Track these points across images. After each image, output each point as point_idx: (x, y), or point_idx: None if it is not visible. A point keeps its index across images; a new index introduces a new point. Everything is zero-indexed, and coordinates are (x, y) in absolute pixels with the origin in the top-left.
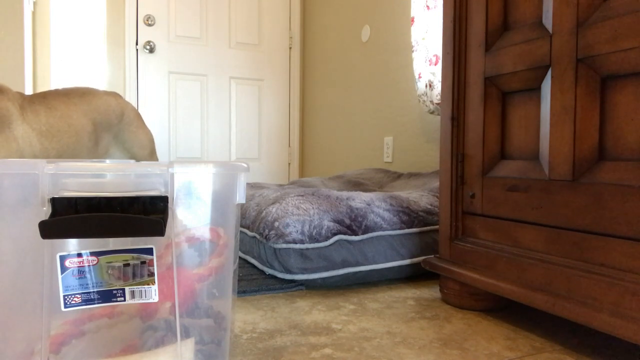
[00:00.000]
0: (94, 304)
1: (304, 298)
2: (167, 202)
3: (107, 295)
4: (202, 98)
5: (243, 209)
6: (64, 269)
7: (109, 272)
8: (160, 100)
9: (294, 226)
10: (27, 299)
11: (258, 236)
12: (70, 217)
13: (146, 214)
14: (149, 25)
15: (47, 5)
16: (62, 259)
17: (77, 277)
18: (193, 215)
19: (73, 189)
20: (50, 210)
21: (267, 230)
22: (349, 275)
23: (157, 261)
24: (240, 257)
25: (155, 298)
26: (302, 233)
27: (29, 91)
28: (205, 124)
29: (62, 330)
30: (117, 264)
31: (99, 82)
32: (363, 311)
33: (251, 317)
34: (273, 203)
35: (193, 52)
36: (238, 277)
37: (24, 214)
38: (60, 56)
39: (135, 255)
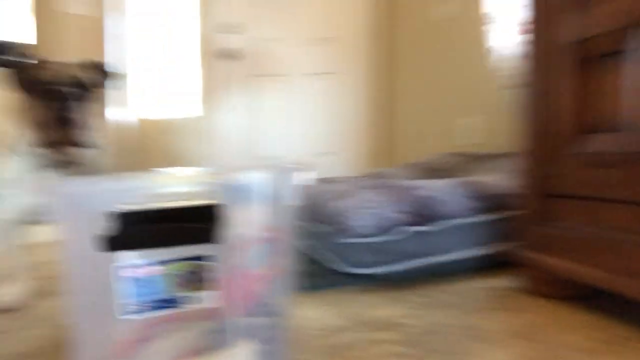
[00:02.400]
0: (160, 310)
1: (371, 292)
2: (225, 209)
3: (171, 302)
4: (282, 97)
5: (310, 205)
6: (129, 278)
7: (173, 279)
8: (243, 102)
9: (363, 219)
10: (95, 307)
11: (325, 231)
12: (132, 230)
13: (205, 223)
14: (230, 32)
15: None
16: (127, 268)
17: (143, 286)
18: (251, 220)
19: (132, 202)
20: (112, 224)
21: (335, 225)
22: (420, 268)
23: (218, 266)
24: (305, 253)
25: (218, 302)
26: (371, 226)
27: None
28: (287, 121)
29: (128, 337)
30: (180, 271)
31: (191, 88)
32: (433, 304)
33: (316, 314)
34: (342, 196)
35: (272, 53)
36: (302, 273)
37: (88, 228)
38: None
39: (197, 262)
